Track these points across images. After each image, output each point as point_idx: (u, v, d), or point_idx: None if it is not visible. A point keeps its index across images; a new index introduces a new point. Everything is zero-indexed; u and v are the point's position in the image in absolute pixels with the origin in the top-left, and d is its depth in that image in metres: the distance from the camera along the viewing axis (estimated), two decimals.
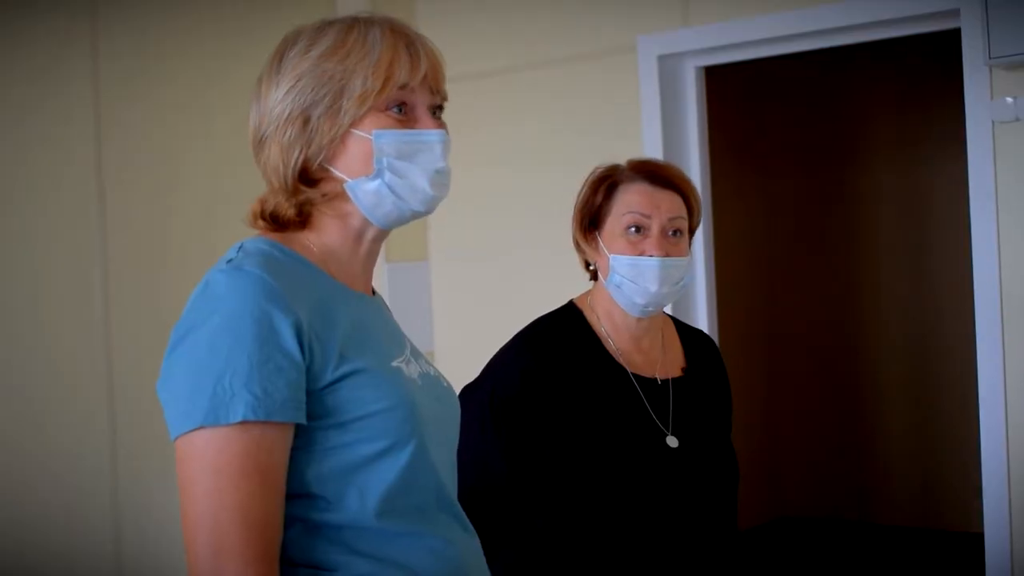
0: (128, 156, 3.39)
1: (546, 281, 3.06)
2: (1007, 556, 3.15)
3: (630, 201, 2.02)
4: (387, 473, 1.29)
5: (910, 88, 5.96)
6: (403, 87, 1.35)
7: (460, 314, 4.14)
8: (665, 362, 2.10)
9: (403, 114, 1.36)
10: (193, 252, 3.47)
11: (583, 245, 2.08)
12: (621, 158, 2.13)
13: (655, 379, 2.06)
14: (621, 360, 2.04)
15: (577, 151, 3.72)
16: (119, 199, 3.35)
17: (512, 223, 3.99)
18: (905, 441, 6.06)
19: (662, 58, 3.68)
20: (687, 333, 2.20)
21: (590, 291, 2.12)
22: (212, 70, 3.61)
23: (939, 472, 5.91)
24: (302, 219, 1.37)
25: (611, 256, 2.01)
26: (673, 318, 2.22)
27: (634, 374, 2.04)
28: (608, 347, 2.05)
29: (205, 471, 1.20)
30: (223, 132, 3.59)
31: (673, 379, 2.08)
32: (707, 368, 2.17)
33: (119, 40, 3.38)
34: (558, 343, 2.03)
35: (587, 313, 2.08)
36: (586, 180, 2.10)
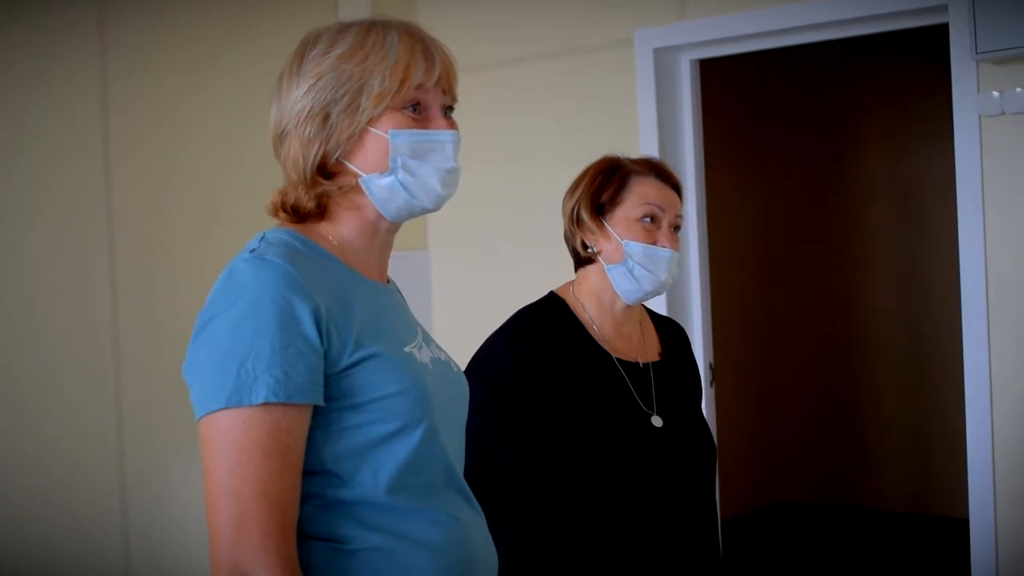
0: (133, 149, 3.41)
1: (544, 270, 3.10)
2: (992, 541, 3.21)
3: (647, 193, 2.09)
4: (399, 452, 1.36)
5: (900, 82, 6.02)
6: (419, 87, 1.42)
7: (459, 303, 4.18)
8: (644, 347, 2.18)
9: (418, 113, 1.43)
10: (199, 245, 3.49)
11: (588, 227, 2.11)
12: (618, 151, 2.19)
13: (637, 363, 2.13)
14: (605, 346, 2.11)
15: (574, 143, 3.78)
16: (125, 196, 3.37)
17: (510, 213, 4.03)
18: (898, 429, 6.12)
19: (658, 51, 3.73)
20: (660, 321, 2.29)
21: (573, 281, 2.18)
22: (216, 66, 3.64)
23: (930, 460, 5.98)
24: (320, 211, 1.44)
25: (625, 242, 2.07)
26: (645, 307, 2.29)
27: (618, 359, 2.11)
28: (593, 333, 2.12)
29: (228, 449, 1.26)
30: (227, 126, 3.61)
31: (653, 363, 2.16)
32: (680, 353, 2.26)
33: (125, 35, 3.39)
34: (545, 330, 2.09)
35: (570, 302, 2.15)
36: (591, 167, 2.15)
